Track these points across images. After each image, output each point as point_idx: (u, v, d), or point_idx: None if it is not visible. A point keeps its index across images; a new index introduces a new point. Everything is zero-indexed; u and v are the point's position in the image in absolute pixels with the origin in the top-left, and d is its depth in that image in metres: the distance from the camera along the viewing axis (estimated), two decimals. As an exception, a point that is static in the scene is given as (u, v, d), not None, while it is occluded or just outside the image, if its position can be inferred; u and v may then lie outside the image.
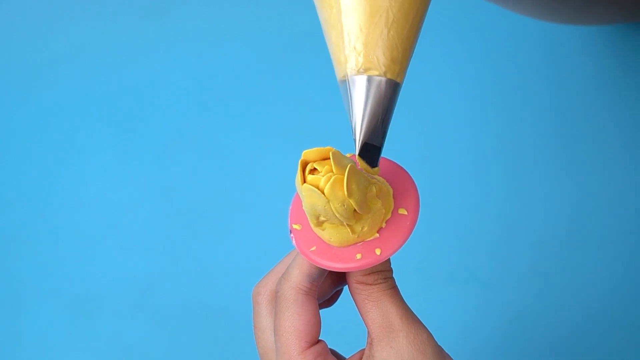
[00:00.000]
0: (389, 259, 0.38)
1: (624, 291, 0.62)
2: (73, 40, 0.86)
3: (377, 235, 0.37)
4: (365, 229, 0.36)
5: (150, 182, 0.78)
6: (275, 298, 0.39)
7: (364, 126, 0.34)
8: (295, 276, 0.38)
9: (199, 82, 0.80)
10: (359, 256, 0.36)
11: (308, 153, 0.35)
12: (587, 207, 0.64)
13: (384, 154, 0.37)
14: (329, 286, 0.41)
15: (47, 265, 0.78)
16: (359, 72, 0.34)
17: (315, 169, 0.35)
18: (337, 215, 0.35)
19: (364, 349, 0.38)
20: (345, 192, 0.34)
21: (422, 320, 0.38)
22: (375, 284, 0.38)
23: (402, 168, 0.39)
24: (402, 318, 0.37)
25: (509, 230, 0.65)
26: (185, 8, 0.83)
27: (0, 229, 0.81)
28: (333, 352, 0.41)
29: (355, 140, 0.35)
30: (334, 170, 0.34)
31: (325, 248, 0.37)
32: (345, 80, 0.35)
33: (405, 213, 0.37)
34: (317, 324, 0.38)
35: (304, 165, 0.35)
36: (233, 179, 0.75)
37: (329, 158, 0.35)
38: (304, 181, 0.35)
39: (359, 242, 0.36)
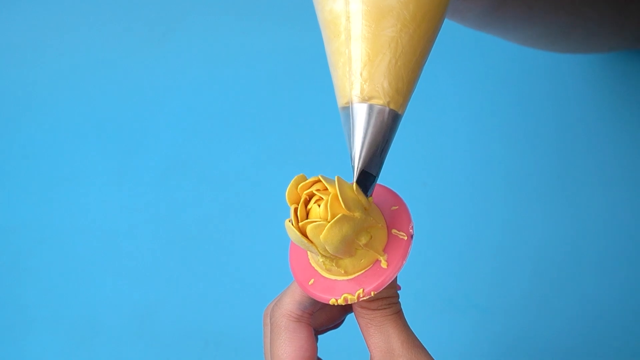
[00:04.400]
0: (394, 284, 0.38)
1: (622, 317, 0.61)
2: (72, 66, 0.86)
3: (380, 260, 0.37)
4: (363, 261, 0.36)
5: (149, 208, 0.78)
6: (270, 324, 0.39)
7: (364, 154, 0.35)
8: (287, 304, 0.39)
9: (198, 108, 0.80)
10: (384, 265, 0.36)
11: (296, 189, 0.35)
12: (585, 234, 0.64)
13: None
14: (337, 312, 0.42)
15: (46, 291, 0.78)
16: (362, 100, 0.34)
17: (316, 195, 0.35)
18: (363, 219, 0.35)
19: None
20: (322, 238, 0.34)
21: (420, 347, 0.38)
22: (379, 309, 0.38)
23: (388, 189, 0.39)
24: (403, 343, 0.37)
25: (507, 257, 0.65)
26: (184, 34, 0.83)
27: (-1, 254, 0.81)
28: None
29: (353, 167, 0.35)
30: (329, 211, 0.34)
31: (324, 281, 0.37)
32: (348, 107, 0.35)
33: (400, 235, 0.37)
34: (310, 350, 0.38)
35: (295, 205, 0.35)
36: (232, 204, 0.75)
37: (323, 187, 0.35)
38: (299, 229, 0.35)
39: (361, 272, 0.37)
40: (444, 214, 0.68)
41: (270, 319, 0.39)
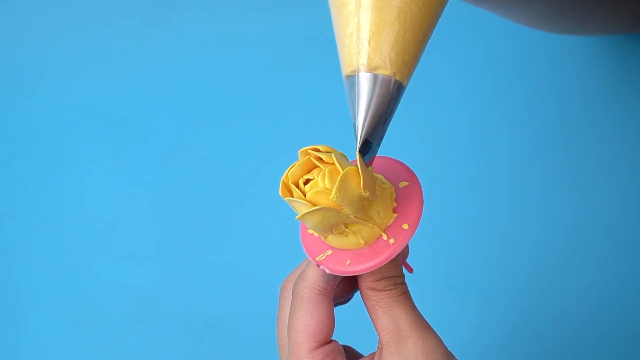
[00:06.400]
0: (399, 264, 0.38)
1: (622, 301, 0.61)
2: (70, 51, 0.86)
3: (396, 214, 0.37)
4: (382, 213, 0.36)
5: (148, 192, 0.78)
6: (292, 296, 0.39)
7: (367, 123, 0.34)
8: (311, 276, 0.38)
9: (197, 92, 0.80)
10: (392, 241, 0.36)
11: (293, 172, 0.35)
12: (586, 217, 0.64)
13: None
14: (350, 287, 0.42)
15: (46, 275, 0.78)
16: (369, 69, 0.34)
17: (307, 179, 0.35)
18: (350, 215, 0.35)
19: (374, 353, 0.38)
20: (362, 184, 0.34)
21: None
22: (386, 290, 0.38)
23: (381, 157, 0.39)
24: (411, 324, 0.37)
25: (508, 241, 0.65)
26: (182, 18, 0.83)
27: (-1, 239, 0.81)
28: (348, 349, 0.41)
29: (356, 136, 0.35)
30: (340, 169, 0.34)
31: (358, 255, 0.37)
32: (353, 76, 0.35)
33: (407, 184, 0.37)
34: (329, 324, 0.38)
35: (289, 183, 0.35)
36: (231, 188, 0.75)
37: (317, 166, 0.35)
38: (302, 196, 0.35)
39: (386, 231, 0.37)
40: (444, 199, 0.68)
41: (293, 291, 0.39)
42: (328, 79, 0.74)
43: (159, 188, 0.78)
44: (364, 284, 0.38)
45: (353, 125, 0.35)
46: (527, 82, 0.69)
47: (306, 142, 0.73)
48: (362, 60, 0.34)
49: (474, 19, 0.71)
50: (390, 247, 0.36)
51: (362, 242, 0.36)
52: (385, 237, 0.37)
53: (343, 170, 0.34)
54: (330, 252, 0.37)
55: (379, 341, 0.38)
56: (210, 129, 0.78)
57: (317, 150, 0.36)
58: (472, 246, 0.66)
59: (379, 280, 0.38)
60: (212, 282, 0.73)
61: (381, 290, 0.37)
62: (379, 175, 0.38)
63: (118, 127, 0.82)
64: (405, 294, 0.38)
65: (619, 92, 0.66)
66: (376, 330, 0.38)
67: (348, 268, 0.36)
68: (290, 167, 0.36)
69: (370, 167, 0.36)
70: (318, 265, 0.38)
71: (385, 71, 0.34)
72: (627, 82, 0.66)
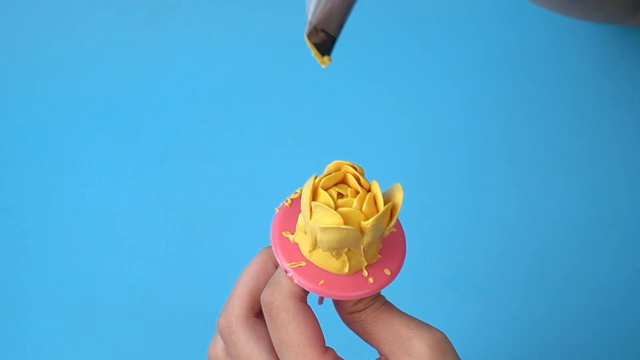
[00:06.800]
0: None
1: (625, 301, 0.61)
2: (70, 48, 0.86)
3: (380, 256, 0.37)
4: (373, 251, 0.36)
5: (149, 188, 0.78)
6: (267, 310, 0.37)
7: (320, 7, 0.34)
8: (290, 285, 0.37)
9: (198, 88, 0.80)
10: (371, 280, 0.36)
11: (325, 182, 0.35)
12: (589, 215, 0.64)
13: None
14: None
15: (45, 272, 0.78)
16: None
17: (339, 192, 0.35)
18: (363, 246, 0.35)
19: None
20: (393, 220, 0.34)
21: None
22: (368, 307, 0.37)
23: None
24: (408, 325, 0.36)
25: (509, 239, 0.65)
26: (184, 13, 0.83)
27: (-3, 235, 0.81)
28: None
29: (307, 22, 0.34)
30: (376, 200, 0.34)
31: (333, 279, 0.36)
32: None
33: (394, 230, 0.37)
34: (320, 331, 0.37)
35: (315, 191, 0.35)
36: (233, 185, 0.75)
37: (345, 180, 0.35)
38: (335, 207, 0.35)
39: (366, 267, 0.37)
40: (444, 194, 0.68)
41: (270, 305, 0.36)
42: (329, 78, 0.74)
43: (159, 185, 0.78)
44: (343, 311, 0.37)
45: (306, 11, 0.34)
46: (528, 77, 0.69)
47: (305, 140, 0.74)
48: None
49: (473, 14, 0.71)
50: (368, 286, 0.36)
51: (346, 270, 0.36)
52: (365, 273, 0.36)
53: (385, 204, 0.34)
54: (303, 263, 0.36)
55: (381, 355, 0.37)
56: (212, 127, 0.78)
57: (355, 169, 0.35)
58: (472, 245, 0.66)
59: (357, 303, 0.37)
60: (213, 279, 0.73)
61: (363, 309, 0.37)
62: None
63: (118, 124, 0.82)
64: (387, 303, 0.37)
65: (620, 88, 0.66)
66: (374, 347, 0.37)
67: (320, 287, 0.36)
68: (323, 175, 0.35)
69: (391, 223, 0.36)
70: (286, 272, 0.36)
71: None
72: (631, 79, 0.66)
